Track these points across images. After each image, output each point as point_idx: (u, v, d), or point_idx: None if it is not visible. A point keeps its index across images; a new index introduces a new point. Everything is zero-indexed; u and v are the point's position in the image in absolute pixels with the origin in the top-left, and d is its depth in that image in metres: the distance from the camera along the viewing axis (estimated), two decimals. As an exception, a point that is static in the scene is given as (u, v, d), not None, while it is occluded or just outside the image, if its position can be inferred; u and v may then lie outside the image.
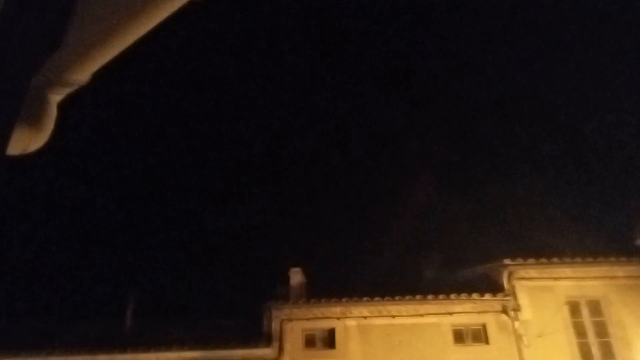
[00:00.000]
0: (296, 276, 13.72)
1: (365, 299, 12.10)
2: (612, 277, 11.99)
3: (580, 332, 11.74)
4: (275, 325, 12.07)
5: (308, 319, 12.15)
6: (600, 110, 26.33)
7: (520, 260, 12.15)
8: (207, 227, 29.52)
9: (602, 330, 11.76)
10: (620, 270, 12.03)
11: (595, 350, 11.61)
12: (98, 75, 1.73)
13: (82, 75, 1.61)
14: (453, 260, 14.82)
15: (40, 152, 1.68)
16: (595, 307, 11.96)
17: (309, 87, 32.12)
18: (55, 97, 1.65)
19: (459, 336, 11.78)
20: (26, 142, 1.57)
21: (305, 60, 30.57)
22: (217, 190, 30.56)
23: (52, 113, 1.66)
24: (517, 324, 11.59)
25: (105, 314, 16.54)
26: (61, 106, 1.72)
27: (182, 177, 30.85)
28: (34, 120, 1.57)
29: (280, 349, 11.80)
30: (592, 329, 11.80)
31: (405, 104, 30.23)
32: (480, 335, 11.77)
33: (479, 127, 29.24)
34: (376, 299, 12.07)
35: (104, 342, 12.10)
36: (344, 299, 12.16)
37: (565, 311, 11.77)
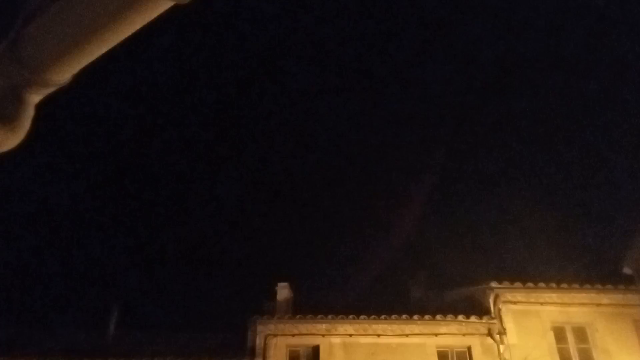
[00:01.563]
0: (283, 291, 13.62)
1: (351, 316, 12.02)
2: (598, 304, 12.00)
3: (565, 358, 11.69)
4: (259, 340, 11.94)
5: (293, 335, 12.03)
6: (587, 135, 26.65)
7: (507, 284, 12.15)
8: (196, 240, 29.32)
9: (587, 357, 11.73)
10: (606, 298, 12.04)
11: (581, 378, 11.56)
12: (79, 77, 1.74)
13: (62, 75, 1.58)
14: (440, 280, 14.81)
15: (15, 152, 1.66)
16: (581, 334, 11.94)
17: (297, 105, 32.29)
18: (34, 98, 1.62)
19: (444, 358, 11.69)
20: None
21: (290, 72, 30.77)
22: (207, 203, 30.44)
23: (29, 113, 1.63)
24: (502, 347, 11.54)
25: (89, 323, 16.31)
26: (40, 107, 1.71)
27: (169, 189, 30.73)
28: (9, 120, 1.56)
29: (264, 365, 11.65)
30: (577, 355, 11.75)
31: (395, 124, 30.43)
32: (465, 358, 11.69)
33: (469, 151, 29.46)
34: (362, 317, 12.00)
35: (84, 351, 11.92)
36: (329, 316, 12.08)
37: (551, 337, 11.74)
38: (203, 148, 31.91)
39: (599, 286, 12.08)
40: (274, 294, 13.57)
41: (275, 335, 11.99)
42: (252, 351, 11.83)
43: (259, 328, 12.06)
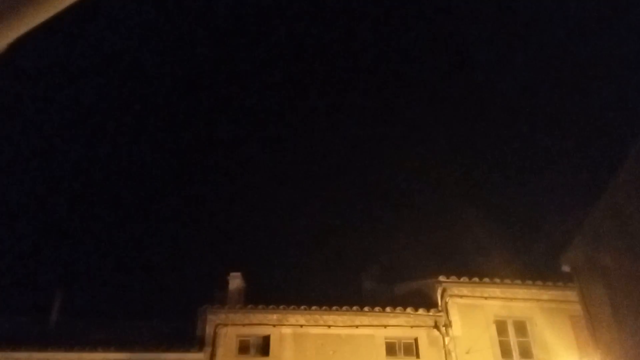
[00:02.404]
0: (235, 281, 13.54)
1: (302, 307, 12.09)
2: (537, 300, 12.56)
3: (506, 350, 12.17)
4: (209, 330, 11.83)
5: (244, 325, 11.99)
6: (531, 133, 27.78)
7: (454, 278, 12.54)
8: (149, 228, 28.64)
9: (526, 350, 12.25)
10: (545, 294, 12.62)
11: (519, 370, 12.06)
12: (16, 48, 1.63)
13: None
14: (391, 274, 15.11)
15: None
16: (521, 327, 12.47)
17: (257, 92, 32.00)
18: None
19: (392, 349, 11.96)
20: None
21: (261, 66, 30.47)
22: (161, 192, 29.75)
23: None
24: (447, 339, 11.91)
25: (30, 309, 15.68)
26: None
27: (121, 177, 29.85)
28: None
29: (213, 354, 11.56)
30: (517, 348, 12.26)
31: (350, 117, 30.67)
32: (411, 349, 12.00)
33: (417, 149, 30.11)
34: (313, 307, 12.09)
35: (24, 338, 11.45)
36: (281, 307, 12.10)
37: (493, 330, 12.21)
38: (162, 139, 31.11)
39: (540, 283, 12.65)
40: (226, 283, 13.47)
41: (225, 325, 11.90)
42: (202, 340, 11.70)
43: (210, 317, 11.94)
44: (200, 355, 11.47)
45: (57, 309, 14.00)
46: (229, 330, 11.86)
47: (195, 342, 11.72)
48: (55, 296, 14.27)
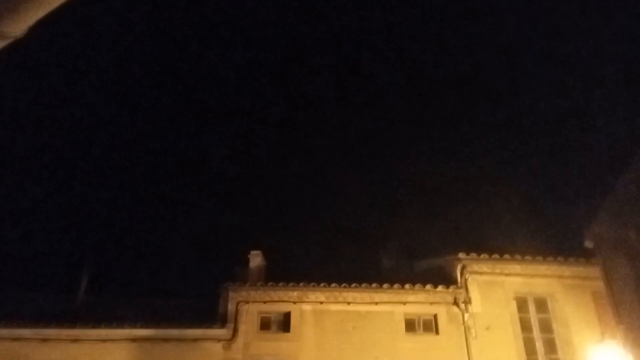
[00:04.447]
0: (256, 259, 13.72)
1: (322, 284, 12.22)
2: (559, 277, 12.45)
3: (526, 327, 12.16)
4: (231, 307, 12.06)
5: (264, 302, 12.19)
6: (556, 115, 27.18)
7: (473, 255, 12.48)
8: (171, 207, 29.10)
9: (546, 327, 12.22)
10: (567, 270, 12.49)
11: (539, 345, 12.05)
12: (36, 30, 1.67)
13: (17, 27, 1.51)
14: (411, 251, 15.12)
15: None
16: (542, 304, 12.41)
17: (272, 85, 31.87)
18: None
19: (411, 325, 12.05)
20: None
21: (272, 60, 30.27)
22: (182, 170, 30.10)
23: None
24: (466, 316, 11.93)
25: (59, 287, 16.17)
26: None
27: (143, 157, 30.24)
28: None
29: (235, 331, 11.81)
30: (537, 324, 12.23)
31: (363, 104, 30.38)
32: (431, 325, 12.07)
33: (438, 126, 29.72)
34: (333, 285, 12.21)
35: (53, 315, 11.84)
36: (301, 284, 12.25)
37: (513, 306, 12.18)
38: (182, 116, 31.35)
39: (561, 259, 12.51)
40: (247, 261, 13.66)
41: (247, 302, 12.12)
42: (224, 317, 11.95)
43: (231, 295, 12.16)
44: (223, 331, 11.73)
45: (85, 287, 14.42)
46: (251, 307, 12.09)
47: (218, 318, 11.98)
48: (82, 274, 14.68)
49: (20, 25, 1.52)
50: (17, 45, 1.71)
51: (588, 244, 10.21)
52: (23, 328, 11.29)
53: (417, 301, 12.19)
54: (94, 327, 11.47)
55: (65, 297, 13.96)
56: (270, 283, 12.44)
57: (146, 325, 11.61)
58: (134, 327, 11.57)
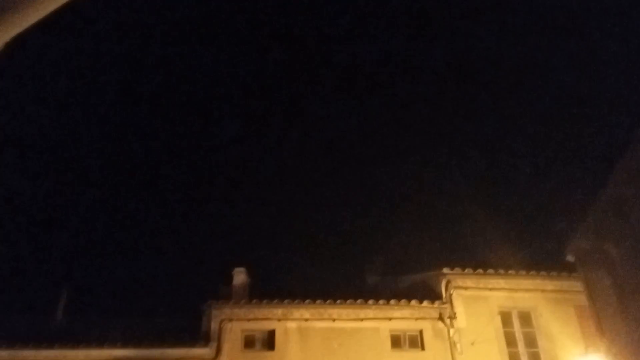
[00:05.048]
0: (240, 276, 13.56)
1: (307, 301, 12.12)
2: (542, 290, 12.55)
3: (511, 341, 12.19)
4: (214, 325, 11.87)
5: (248, 320, 12.02)
6: (537, 131, 27.72)
7: (458, 270, 12.54)
8: (152, 224, 28.72)
9: (531, 341, 12.26)
10: (550, 284, 12.60)
11: (525, 360, 12.08)
12: (13, 46, 1.60)
13: None
14: (395, 267, 15.12)
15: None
16: (526, 318, 12.47)
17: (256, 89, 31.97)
18: None
19: (397, 341, 11.99)
20: None
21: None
22: (164, 186, 29.81)
23: None
24: (452, 331, 11.92)
25: (36, 307, 15.75)
26: None
27: (124, 172, 29.90)
28: None
29: (219, 350, 11.60)
30: (522, 339, 12.27)
31: (349, 121, 30.62)
32: (416, 341, 12.03)
33: (422, 142, 30.06)
34: (318, 301, 12.11)
35: (30, 336, 11.51)
36: (285, 301, 12.13)
37: (498, 321, 12.22)
38: (164, 133, 31.13)
39: (544, 273, 12.63)
40: (231, 278, 13.50)
41: (230, 320, 11.94)
42: (207, 336, 11.74)
43: (214, 313, 11.98)
44: (206, 350, 11.51)
45: (63, 307, 14.07)
46: (234, 325, 11.91)
47: (200, 337, 11.77)
48: (60, 294, 14.34)
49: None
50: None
51: (570, 257, 10.33)
52: (-1, 350, 10.94)
53: (403, 317, 12.15)
54: (73, 347, 11.17)
55: (42, 318, 13.60)
56: (255, 300, 12.30)
57: (127, 345, 11.34)
58: (114, 347, 11.29)
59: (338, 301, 12.14)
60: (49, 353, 11.07)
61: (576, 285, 11.10)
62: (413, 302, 12.21)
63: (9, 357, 10.93)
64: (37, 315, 13.90)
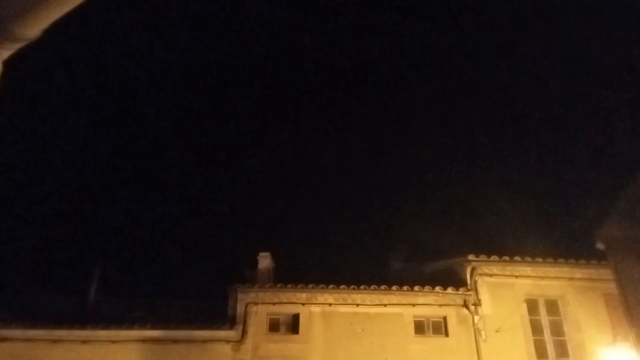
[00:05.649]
0: (264, 261, 13.75)
1: (331, 286, 12.21)
2: (570, 278, 12.34)
3: (536, 329, 12.06)
4: (240, 308, 12.09)
5: (273, 304, 12.21)
6: (566, 117, 26.95)
7: (483, 257, 12.41)
8: (180, 209, 29.26)
9: (557, 329, 12.11)
10: (578, 272, 12.37)
11: (550, 348, 11.94)
12: (50, 33, 1.68)
13: (32, 30, 1.52)
14: (420, 253, 15.07)
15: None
16: (553, 306, 12.30)
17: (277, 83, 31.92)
18: (2, 53, 1.57)
19: (420, 327, 12.00)
20: None
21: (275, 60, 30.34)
22: (190, 172, 30.25)
23: None
24: (476, 318, 11.86)
25: (70, 289, 16.29)
26: (9, 63, 1.65)
27: (151, 158, 30.40)
28: None
29: (244, 332, 11.83)
30: (548, 327, 12.13)
31: (374, 105, 30.35)
32: (440, 327, 12.01)
33: (448, 128, 29.61)
34: (342, 287, 12.19)
35: (64, 317, 11.95)
36: (310, 286, 12.25)
37: (524, 308, 12.09)
38: (188, 118, 31.52)
39: (572, 261, 12.39)
40: (256, 263, 13.70)
41: (256, 304, 12.14)
42: (233, 319, 11.98)
43: (240, 296, 12.20)
44: (232, 332, 11.76)
45: (95, 289, 14.52)
46: (260, 309, 12.11)
47: (227, 320, 12.01)
48: (93, 276, 14.78)
49: (34, 29, 1.53)
50: (31, 48, 1.72)
51: (600, 245, 10.09)
52: (35, 329, 11.41)
53: (427, 303, 12.14)
54: (104, 328, 11.55)
55: (76, 299, 14.07)
56: (279, 285, 12.46)
57: (155, 326, 11.68)
58: (144, 328, 11.63)
59: (362, 286, 12.19)
60: (82, 333, 11.48)
61: (605, 273, 10.88)
62: (437, 288, 12.17)
63: (44, 336, 11.38)
64: (71, 296, 14.38)
